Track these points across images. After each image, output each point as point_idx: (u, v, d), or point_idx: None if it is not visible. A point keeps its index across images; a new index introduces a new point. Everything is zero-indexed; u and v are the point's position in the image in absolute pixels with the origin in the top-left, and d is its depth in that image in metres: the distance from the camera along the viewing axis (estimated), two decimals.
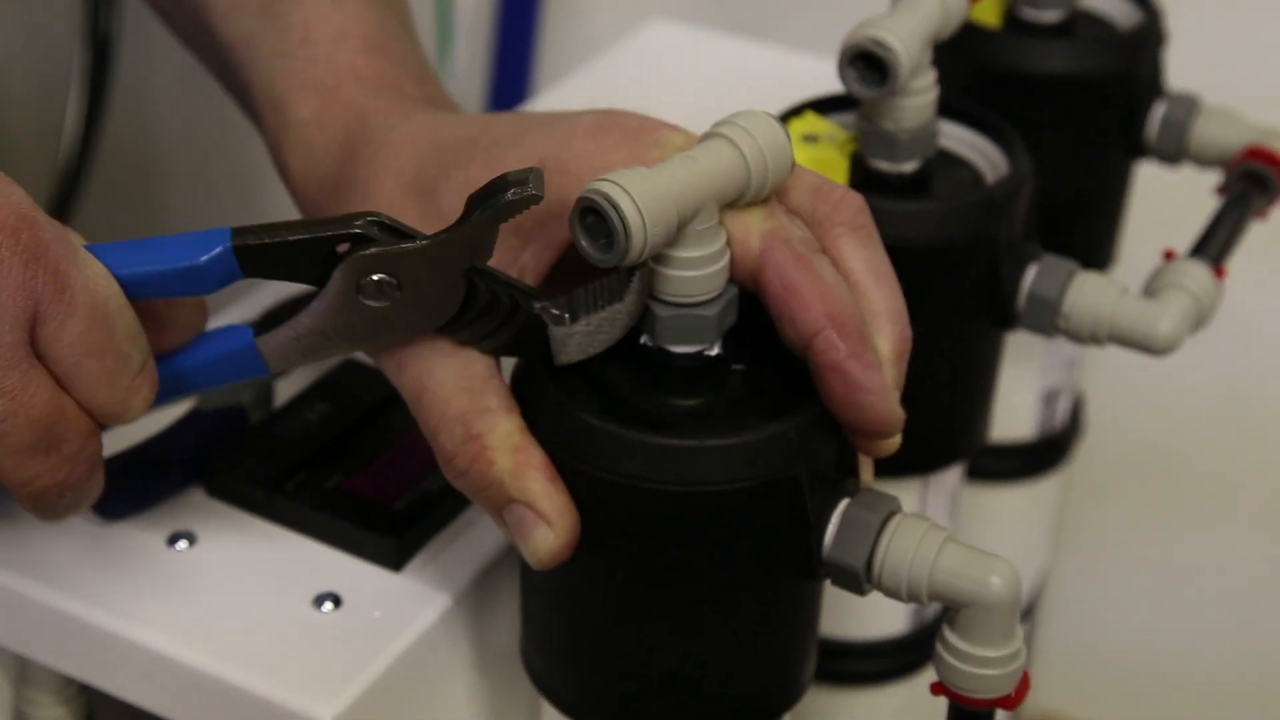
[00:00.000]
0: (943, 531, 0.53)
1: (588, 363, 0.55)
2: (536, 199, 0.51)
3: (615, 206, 0.49)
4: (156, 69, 1.33)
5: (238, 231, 0.53)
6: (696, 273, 0.52)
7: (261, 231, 0.53)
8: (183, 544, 0.63)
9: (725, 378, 0.55)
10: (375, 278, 0.52)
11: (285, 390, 0.70)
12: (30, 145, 1.35)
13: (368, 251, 0.52)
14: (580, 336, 0.53)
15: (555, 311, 0.53)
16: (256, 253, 0.53)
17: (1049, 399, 0.85)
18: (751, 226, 0.53)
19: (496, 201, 0.51)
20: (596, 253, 0.50)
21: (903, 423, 0.54)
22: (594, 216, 0.50)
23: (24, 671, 0.66)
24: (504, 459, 0.52)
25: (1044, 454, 0.87)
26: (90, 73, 1.19)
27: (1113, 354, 0.69)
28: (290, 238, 0.53)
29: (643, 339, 0.55)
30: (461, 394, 0.53)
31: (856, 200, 0.55)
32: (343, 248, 0.53)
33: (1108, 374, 1.07)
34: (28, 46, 1.35)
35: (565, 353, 0.54)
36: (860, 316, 0.53)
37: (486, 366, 0.54)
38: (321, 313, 0.53)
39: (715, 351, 0.55)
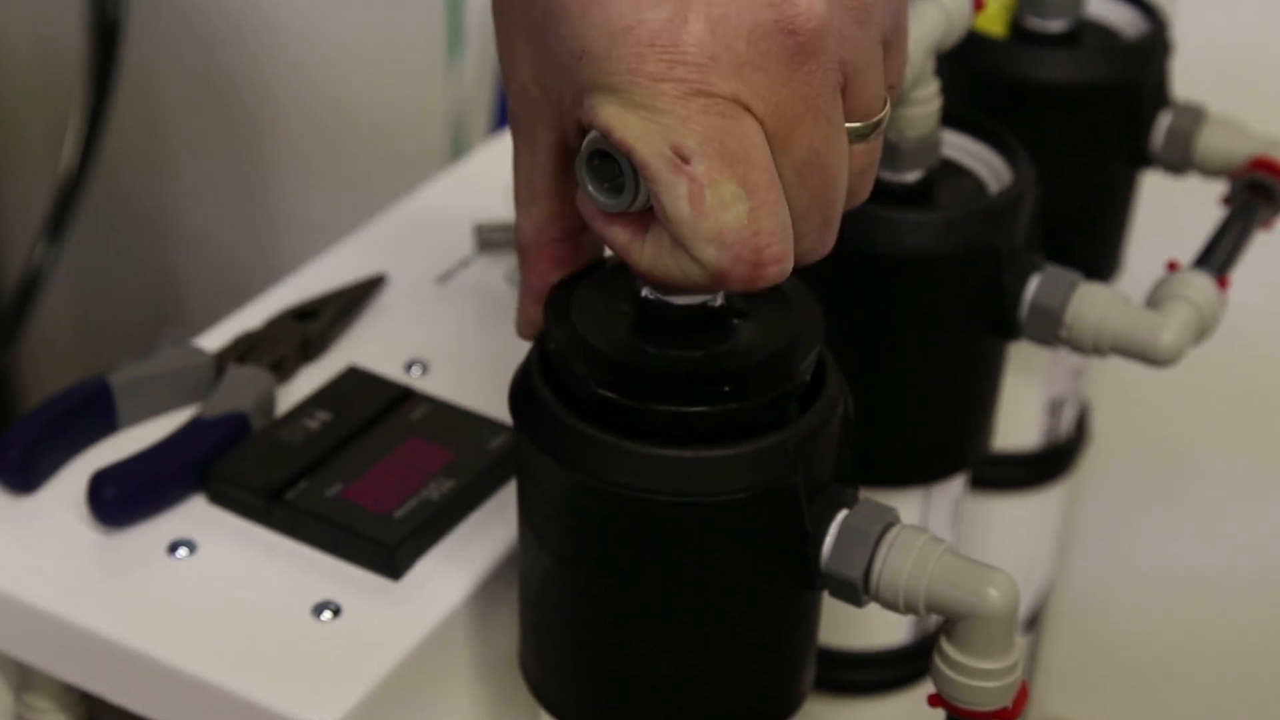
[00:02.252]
0: (941, 543, 0.53)
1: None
2: None
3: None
4: (164, 57, 1.33)
5: None
6: None
7: None
8: (183, 551, 0.63)
9: (727, 331, 0.54)
10: None
11: (287, 398, 0.70)
12: (37, 135, 1.35)
13: None
14: None
15: None
16: None
17: (1054, 408, 0.85)
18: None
19: None
20: (603, 197, 0.50)
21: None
22: (601, 159, 0.49)
23: (25, 678, 0.66)
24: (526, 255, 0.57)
25: (1049, 463, 0.86)
26: (96, 61, 1.19)
27: (1122, 362, 0.68)
28: None
29: (644, 292, 0.54)
30: (522, 189, 0.56)
31: None
32: None
33: (1117, 382, 1.07)
34: (35, 37, 1.35)
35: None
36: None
37: (547, 177, 0.54)
38: None
39: (719, 302, 0.54)
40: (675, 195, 0.47)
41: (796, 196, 0.49)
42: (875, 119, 0.51)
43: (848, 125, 0.50)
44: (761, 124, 0.48)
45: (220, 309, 0.78)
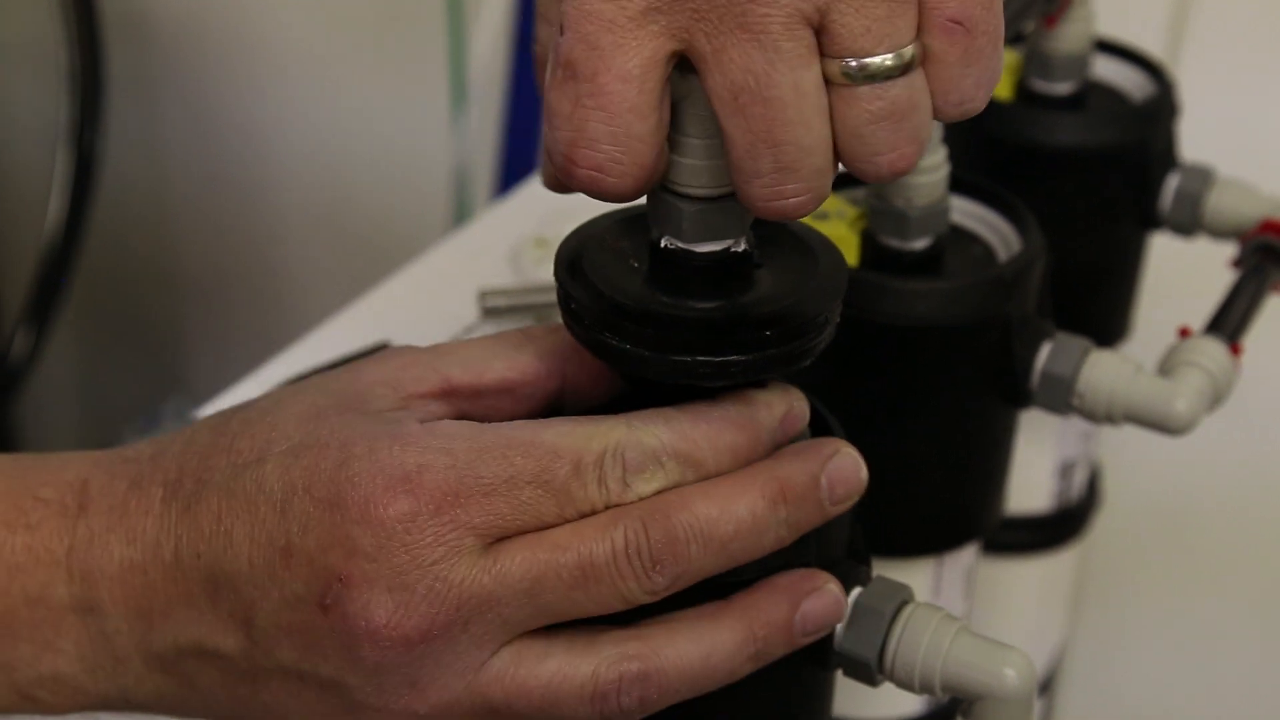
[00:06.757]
0: (955, 622, 0.53)
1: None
2: None
3: None
4: (166, 119, 1.33)
5: None
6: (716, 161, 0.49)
7: None
8: None
9: (751, 281, 0.52)
10: None
11: None
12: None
13: None
14: None
15: None
16: None
17: (1065, 471, 0.84)
18: None
19: None
20: None
21: None
22: None
23: None
24: None
25: (1060, 526, 0.86)
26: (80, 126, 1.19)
27: (1132, 426, 0.68)
28: None
29: (664, 242, 0.51)
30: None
31: None
32: None
33: (1128, 445, 1.06)
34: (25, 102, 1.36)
35: None
36: None
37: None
38: None
39: (742, 248, 0.52)
40: (552, 67, 0.48)
41: (735, 126, 0.46)
42: (865, 60, 0.45)
43: (832, 62, 0.45)
44: (689, 44, 0.46)
45: (225, 374, 0.78)
